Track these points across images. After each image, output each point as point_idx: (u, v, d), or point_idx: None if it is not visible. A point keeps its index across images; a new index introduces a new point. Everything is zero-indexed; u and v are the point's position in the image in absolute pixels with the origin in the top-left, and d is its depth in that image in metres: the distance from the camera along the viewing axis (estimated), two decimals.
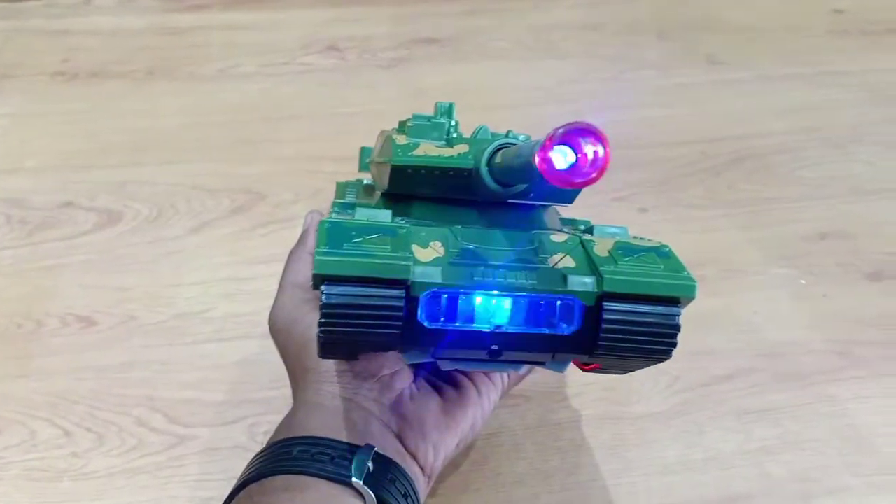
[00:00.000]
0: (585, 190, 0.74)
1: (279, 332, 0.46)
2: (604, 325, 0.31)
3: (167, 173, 0.78)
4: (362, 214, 0.34)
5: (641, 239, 0.34)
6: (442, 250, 0.32)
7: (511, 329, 0.32)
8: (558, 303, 0.31)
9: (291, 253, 0.50)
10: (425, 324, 0.31)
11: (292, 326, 0.44)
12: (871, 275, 0.69)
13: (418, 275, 0.30)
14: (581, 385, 0.61)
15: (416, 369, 0.44)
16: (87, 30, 0.97)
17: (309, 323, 0.44)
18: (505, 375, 0.46)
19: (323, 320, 0.30)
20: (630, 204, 0.76)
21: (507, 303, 0.31)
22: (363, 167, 0.56)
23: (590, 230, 0.37)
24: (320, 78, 0.91)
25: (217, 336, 0.63)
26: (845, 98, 0.92)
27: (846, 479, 0.55)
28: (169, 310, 0.65)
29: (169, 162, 0.79)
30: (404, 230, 0.32)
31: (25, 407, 0.58)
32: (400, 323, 0.30)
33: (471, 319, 0.32)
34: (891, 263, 0.69)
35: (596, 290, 0.31)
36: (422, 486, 0.41)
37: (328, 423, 0.40)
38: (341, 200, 0.54)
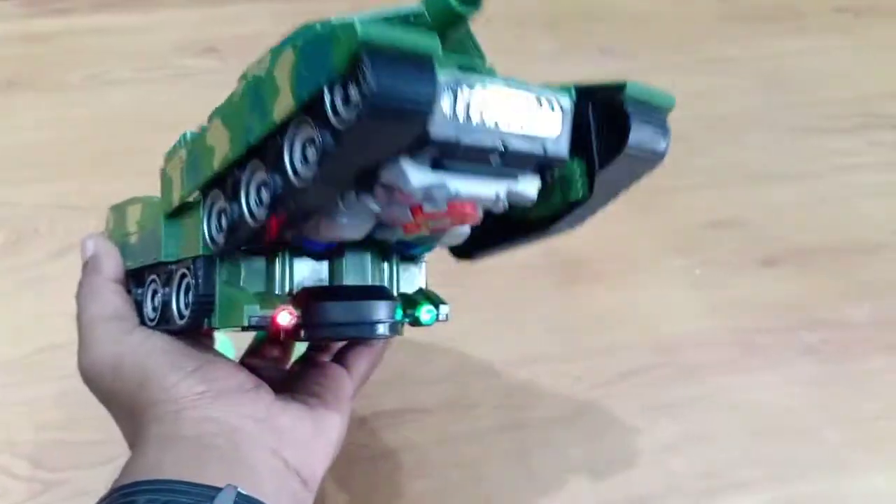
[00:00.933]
0: None
1: (100, 375, 0.41)
2: (631, 129, 0.33)
3: (29, 192, 0.72)
4: None
5: None
6: None
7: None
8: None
9: (82, 286, 0.45)
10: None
11: (121, 361, 0.40)
12: (765, 261, 0.69)
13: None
14: (480, 393, 0.58)
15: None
16: None
17: (143, 351, 0.39)
18: (350, 383, 0.43)
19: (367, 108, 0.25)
20: None
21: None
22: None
23: None
24: (198, 81, 0.86)
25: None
26: (734, 84, 0.92)
27: (750, 471, 0.54)
28: (30, 344, 0.60)
29: (30, 180, 0.73)
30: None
31: None
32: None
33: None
34: (784, 249, 0.70)
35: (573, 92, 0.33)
36: (306, 502, 0.38)
37: (187, 459, 0.35)
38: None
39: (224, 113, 0.33)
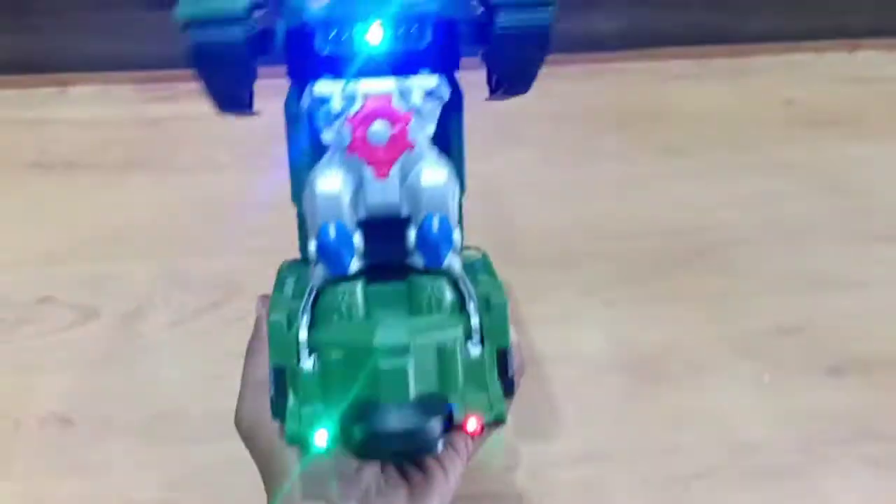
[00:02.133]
0: (554, 283, 0.75)
1: (244, 434, 0.45)
2: (497, 31, 0.39)
3: (144, 267, 0.79)
4: None
5: None
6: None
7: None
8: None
9: (248, 345, 0.49)
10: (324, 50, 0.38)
11: (257, 431, 0.44)
12: (831, 369, 0.71)
13: (312, 14, 0.37)
14: (554, 486, 0.62)
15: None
16: (63, 120, 0.99)
17: (274, 428, 0.43)
18: (469, 441, 0.45)
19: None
20: (595, 297, 0.79)
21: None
22: None
23: None
24: None
25: (195, 435, 0.64)
26: (797, 189, 0.95)
27: None
28: (146, 409, 0.66)
29: (145, 256, 0.80)
30: None
31: None
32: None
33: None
34: (849, 358, 0.73)
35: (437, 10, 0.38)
36: None
37: None
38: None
39: None
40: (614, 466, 0.64)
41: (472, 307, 0.40)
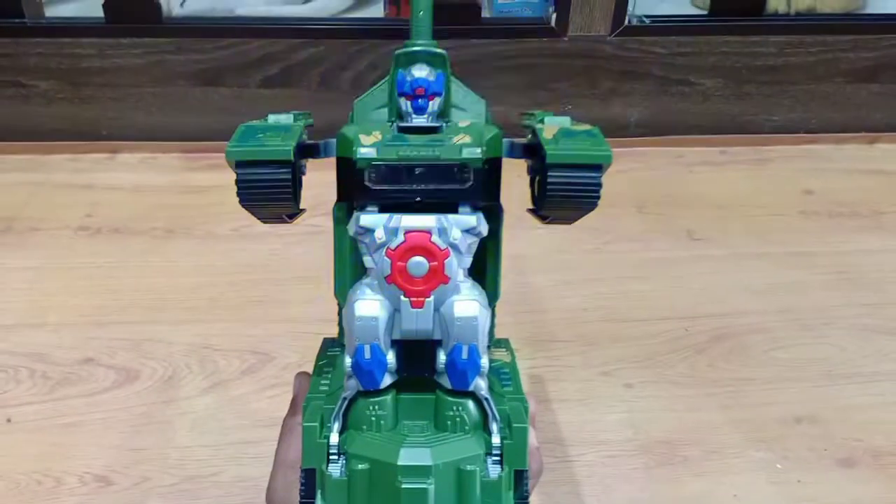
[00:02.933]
0: (573, 362, 0.77)
1: None
2: (548, 187, 0.42)
3: (182, 332, 0.82)
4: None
5: (579, 123, 0.44)
6: (380, 136, 0.41)
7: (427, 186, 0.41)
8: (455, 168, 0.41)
9: (284, 422, 0.50)
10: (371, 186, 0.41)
11: None
12: (843, 461, 0.73)
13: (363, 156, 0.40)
14: None
15: None
16: (111, 185, 1.04)
17: None
18: None
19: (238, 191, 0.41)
20: (616, 379, 0.81)
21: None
22: None
23: (542, 120, 0.46)
24: (329, 239, 0.97)
25: (225, 500, 0.66)
26: (815, 279, 0.98)
27: None
28: (181, 472, 0.68)
29: (184, 321, 0.84)
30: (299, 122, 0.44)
31: None
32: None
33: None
34: (861, 450, 0.74)
35: (482, 157, 0.41)
36: None
37: None
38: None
39: None
40: None
41: (494, 428, 0.41)
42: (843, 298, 0.95)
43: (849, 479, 0.72)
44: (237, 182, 0.41)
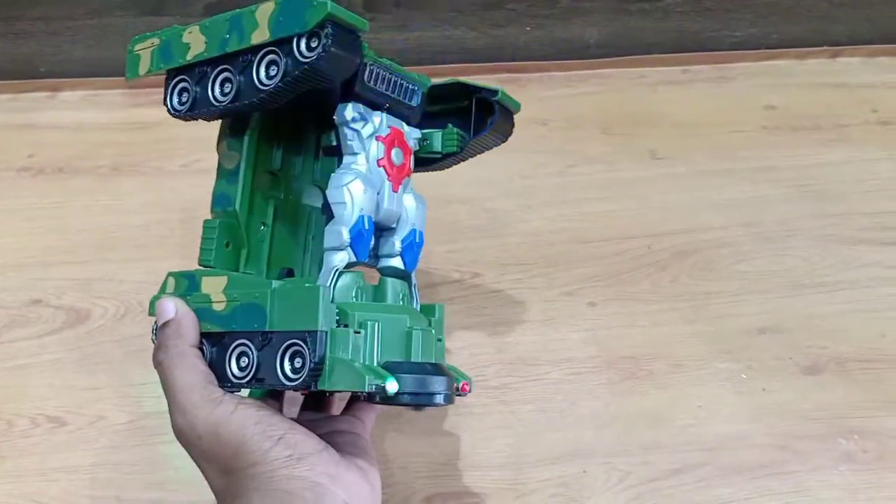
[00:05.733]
0: (537, 284, 0.78)
1: (198, 438, 0.46)
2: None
3: (133, 270, 0.80)
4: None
5: None
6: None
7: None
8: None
9: (167, 350, 0.48)
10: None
11: (217, 430, 0.45)
12: (808, 368, 0.73)
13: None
14: (536, 482, 0.64)
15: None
16: (53, 124, 0.99)
17: (237, 420, 0.45)
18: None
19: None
20: (579, 298, 0.80)
21: None
22: None
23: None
24: None
25: None
26: (778, 193, 0.97)
27: None
28: (137, 409, 0.67)
29: (134, 259, 0.81)
30: None
31: None
32: None
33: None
34: (825, 357, 0.75)
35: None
36: None
37: None
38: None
39: (204, 25, 0.50)
40: (595, 464, 0.65)
41: (416, 307, 0.52)
42: (806, 210, 0.94)
43: (814, 386, 0.72)
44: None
